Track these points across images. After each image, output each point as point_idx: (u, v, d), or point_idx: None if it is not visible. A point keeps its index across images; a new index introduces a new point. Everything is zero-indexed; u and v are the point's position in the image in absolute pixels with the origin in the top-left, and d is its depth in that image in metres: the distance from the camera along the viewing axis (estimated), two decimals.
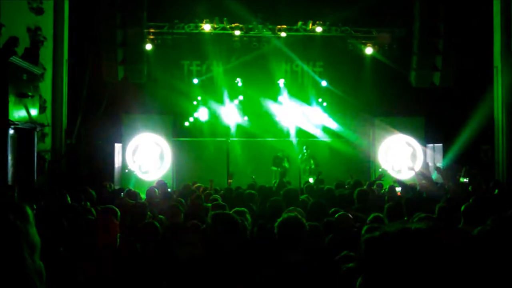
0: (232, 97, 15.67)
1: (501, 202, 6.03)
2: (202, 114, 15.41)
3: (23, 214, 2.13)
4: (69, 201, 6.33)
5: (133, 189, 8.44)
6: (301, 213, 4.43)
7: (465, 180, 10.57)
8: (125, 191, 8.17)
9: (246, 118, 15.69)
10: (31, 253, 2.02)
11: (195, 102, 15.39)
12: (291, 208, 4.76)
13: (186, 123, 15.16)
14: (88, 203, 6.73)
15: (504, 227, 2.44)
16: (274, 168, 13.37)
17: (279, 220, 3.38)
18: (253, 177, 9.66)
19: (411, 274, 1.38)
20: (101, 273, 3.62)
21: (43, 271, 2.08)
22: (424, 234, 1.44)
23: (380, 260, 1.43)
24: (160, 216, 5.64)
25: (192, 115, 15.39)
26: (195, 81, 15.45)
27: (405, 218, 4.90)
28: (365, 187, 8.27)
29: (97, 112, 12.91)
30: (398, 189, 9.18)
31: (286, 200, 5.47)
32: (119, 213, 4.93)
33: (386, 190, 9.19)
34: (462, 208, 4.60)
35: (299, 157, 13.81)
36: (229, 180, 10.66)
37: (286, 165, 13.27)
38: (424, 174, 8.60)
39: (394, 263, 1.34)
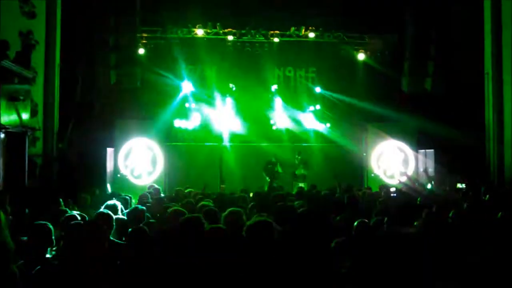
0: (225, 102, 15.67)
1: (492, 206, 6.06)
2: (194, 118, 15.39)
3: None
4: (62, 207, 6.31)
5: (123, 194, 8.39)
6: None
7: (462, 185, 10.62)
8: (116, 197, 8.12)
9: (239, 123, 15.69)
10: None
11: (187, 105, 15.37)
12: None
13: (177, 122, 15.01)
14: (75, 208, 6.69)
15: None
16: (264, 174, 13.37)
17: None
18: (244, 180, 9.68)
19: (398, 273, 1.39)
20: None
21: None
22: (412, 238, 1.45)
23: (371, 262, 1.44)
24: (152, 220, 5.60)
25: (185, 120, 15.35)
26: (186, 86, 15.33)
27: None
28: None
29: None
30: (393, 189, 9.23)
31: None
32: (113, 217, 4.90)
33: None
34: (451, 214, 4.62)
35: (296, 162, 13.83)
36: (222, 186, 10.64)
37: (280, 170, 13.30)
38: (416, 181, 8.66)
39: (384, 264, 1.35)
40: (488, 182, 12.12)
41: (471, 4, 13.75)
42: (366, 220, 4.55)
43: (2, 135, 8.97)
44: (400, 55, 15.60)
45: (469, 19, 13.82)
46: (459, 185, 11.94)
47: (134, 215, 5.56)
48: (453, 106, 14.09)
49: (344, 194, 7.33)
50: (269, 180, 13.08)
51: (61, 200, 6.72)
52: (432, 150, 14.04)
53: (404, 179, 11.04)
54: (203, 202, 6.13)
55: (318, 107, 15.82)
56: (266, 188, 11.75)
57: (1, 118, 8.87)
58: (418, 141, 14.31)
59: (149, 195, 7.92)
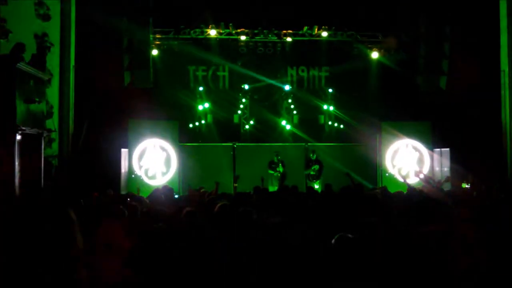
0: (238, 102, 15.70)
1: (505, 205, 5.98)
2: (208, 118, 15.46)
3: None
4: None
5: (137, 194, 8.42)
6: None
7: (467, 186, 10.45)
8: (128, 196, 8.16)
9: (252, 122, 15.70)
10: None
11: (201, 107, 15.45)
12: None
13: (191, 125, 15.21)
14: None
15: None
16: (270, 172, 13.37)
17: None
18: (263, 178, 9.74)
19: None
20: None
21: None
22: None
23: None
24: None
25: (198, 120, 15.43)
26: (201, 88, 15.55)
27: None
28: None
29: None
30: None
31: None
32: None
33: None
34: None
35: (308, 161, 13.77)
36: (235, 184, 10.65)
37: (281, 169, 13.24)
38: (430, 179, 8.56)
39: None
40: (504, 181, 11.96)
41: (487, 1, 13.57)
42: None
43: (19, 137, 9.07)
44: (415, 53, 15.46)
45: (484, 16, 13.64)
46: (464, 185, 11.71)
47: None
48: (468, 104, 13.92)
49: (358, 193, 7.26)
50: (277, 182, 13.02)
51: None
52: (448, 149, 13.89)
53: (419, 178, 10.90)
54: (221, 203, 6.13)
55: (331, 107, 15.77)
56: (271, 189, 11.71)
57: (18, 120, 8.97)
58: (433, 140, 14.17)
59: (162, 196, 7.91)
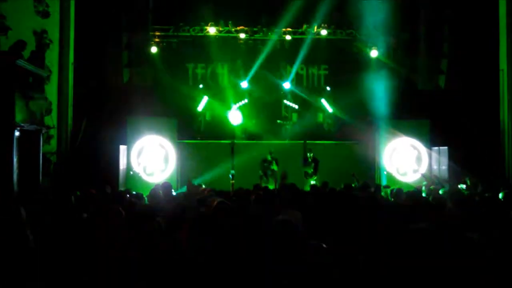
0: (237, 100, 15.71)
1: (506, 205, 5.99)
2: (207, 116, 15.47)
3: None
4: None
5: (135, 191, 8.44)
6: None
7: (463, 186, 10.45)
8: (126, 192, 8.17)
9: (251, 120, 15.71)
10: None
11: (199, 109, 15.46)
12: None
13: (191, 123, 15.29)
14: None
15: None
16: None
17: None
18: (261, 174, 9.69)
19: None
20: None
21: None
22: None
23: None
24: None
25: (197, 117, 15.44)
26: (200, 86, 15.58)
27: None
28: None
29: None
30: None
31: None
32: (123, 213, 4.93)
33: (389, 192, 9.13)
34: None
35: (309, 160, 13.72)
36: (232, 181, 10.66)
37: (275, 168, 13.13)
38: (433, 179, 8.61)
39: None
40: (504, 180, 11.99)
41: (486, 0, 13.59)
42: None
43: (17, 133, 9.08)
44: (413, 52, 15.48)
45: (483, 15, 13.65)
46: (460, 186, 11.66)
47: None
48: (467, 103, 13.94)
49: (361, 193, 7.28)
50: (265, 179, 12.92)
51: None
52: (446, 147, 13.91)
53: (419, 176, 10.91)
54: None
55: (330, 105, 15.78)
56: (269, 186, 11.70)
57: (16, 116, 8.98)
58: (432, 138, 14.18)
59: (160, 192, 7.91)
